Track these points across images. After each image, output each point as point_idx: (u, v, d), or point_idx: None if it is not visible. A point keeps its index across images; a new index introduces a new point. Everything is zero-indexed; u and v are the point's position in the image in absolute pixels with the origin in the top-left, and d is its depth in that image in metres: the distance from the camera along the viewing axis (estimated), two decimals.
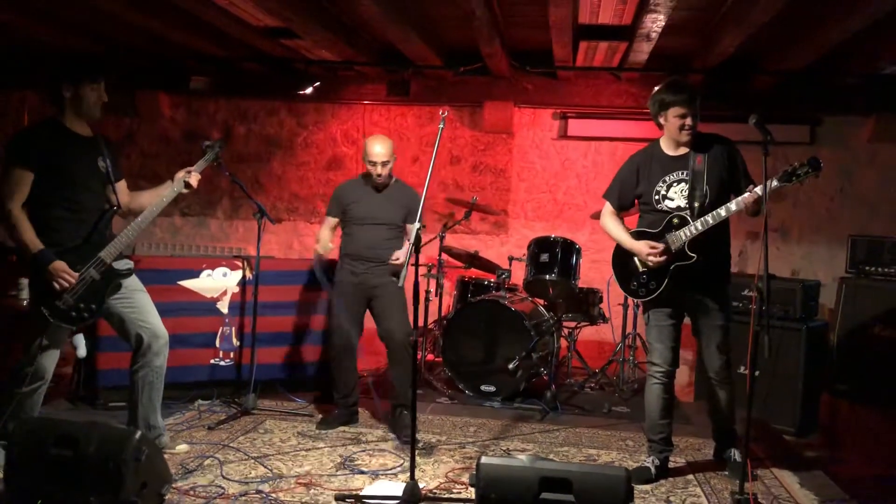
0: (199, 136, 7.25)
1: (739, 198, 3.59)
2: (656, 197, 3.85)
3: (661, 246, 3.78)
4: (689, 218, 3.73)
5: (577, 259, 5.53)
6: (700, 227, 3.68)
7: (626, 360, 5.95)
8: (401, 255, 4.46)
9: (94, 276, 3.58)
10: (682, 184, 3.78)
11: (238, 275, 5.21)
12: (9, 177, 3.47)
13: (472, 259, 6.15)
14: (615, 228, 4.03)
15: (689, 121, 3.73)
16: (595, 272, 6.86)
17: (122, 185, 3.88)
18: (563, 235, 5.60)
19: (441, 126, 3.80)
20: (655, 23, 4.78)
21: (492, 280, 5.94)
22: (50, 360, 3.61)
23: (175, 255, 7.26)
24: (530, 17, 5.23)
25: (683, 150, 3.83)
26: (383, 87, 6.90)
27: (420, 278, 3.66)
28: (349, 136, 7.38)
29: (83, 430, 3.03)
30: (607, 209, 4.09)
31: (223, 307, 5.17)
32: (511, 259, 6.11)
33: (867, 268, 5.23)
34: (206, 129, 7.49)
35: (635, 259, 3.92)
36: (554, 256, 5.42)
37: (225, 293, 5.18)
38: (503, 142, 7.15)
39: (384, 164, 4.51)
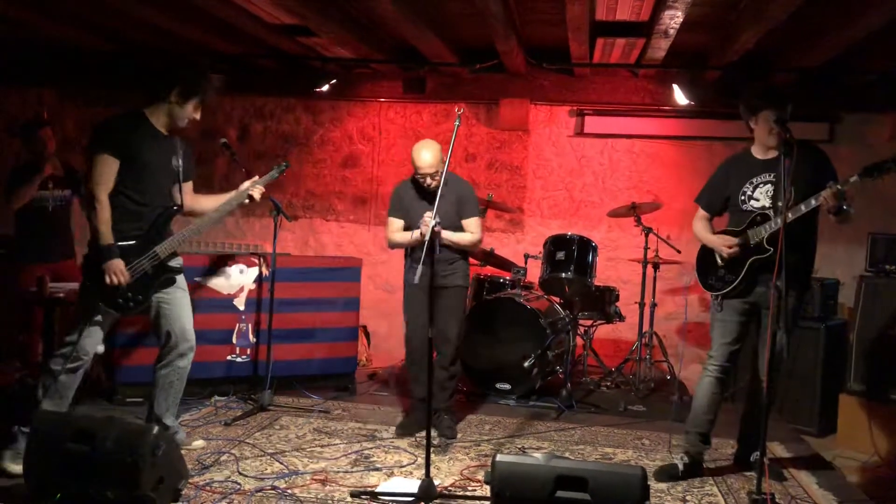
0: (215, 133, 7.28)
1: (818, 193, 3.60)
2: (742, 197, 3.94)
3: (734, 240, 3.90)
4: (771, 216, 3.80)
5: (593, 257, 5.51)
6: (780, 223, 3.68)
7: (642, 359, 5.93)
8: (440, 230, 4.11)
9: (146, 269, 3.68)
10: (769, 185, 3.86)
11: (255, 272, 5.23)
12: (98, 164, 3.57)
13: (488, 257, 6.14)
14: (699, 228, 4.17)
15: (779, 124, 3.76)
16: (611, 270, 6.83)
17: (188, 187, 3.96)
18: (579, 233, 5.58)
19: (457, 123, 3.80)
20: (673, 19, 4.74)
21: (507, 278, 5.93)
22: (91, 343, 3.69)
23: (192, 251, 7.28)
24: (546, 13, 5.20)
25: (773, 154, 3.88)
26: (399, 85, 6.90)
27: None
28: (365, 134, 7.39)
29: (101, 426, 3.05)
30: (698, 213, 4.21)
31: (240, 304, 5.19)
32: (527, 257, 6.09)
33: (887, 266, 5.16)
34: (222, 127, 7.51)
35: (715, 255, 4.02)
36: (570, 254, 5.40)
37: (241, 290, 5.20)
38: (519, 139, 7.12)
39: (432, 175, 4.32)
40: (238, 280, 5.19)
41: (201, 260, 5.21)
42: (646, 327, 5.96)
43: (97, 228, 3.57)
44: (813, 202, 3.61)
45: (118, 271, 3.56)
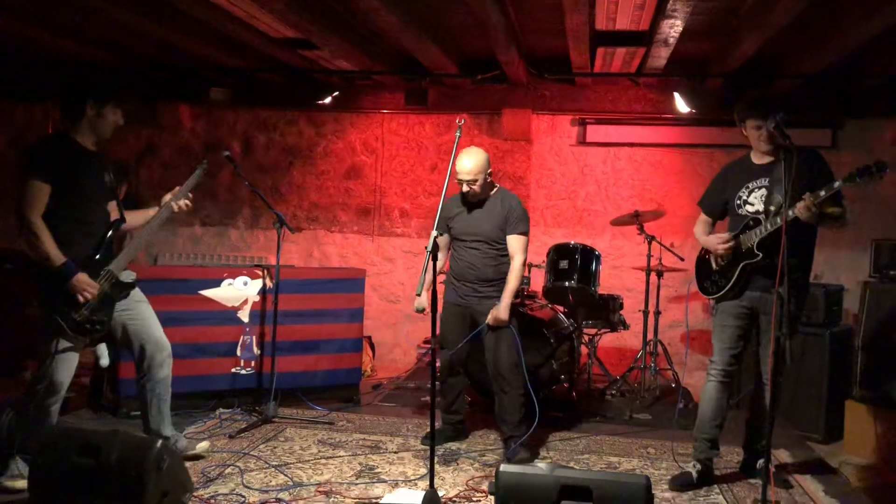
0: (219, 146, 7.32)
1: (794, 204, 3.59)
2: (737, 202, 3.99)
3: (727, 235, 3.95)
4: (762, 220, 3.82)
5: (596, 265, 5.50)
6: (769, 228, 3.76)
7: (647, 367, 5.91)
8: (500, 313, 4.21)
9: (105, 289, 3.64)
10: (763, 190, 3.90)
11: (258, 284, 5.24)
12: (29, 189, 3.48)
13: None
14: (699, 231, 4.24)
15: (765, 132, 3.82)
16: (615, 279, 6.83)
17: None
18: (582, 242, 5.58)
19: (458, 134, 3.81)
20: (673, 28, 4.75)
21: None
22: (65, 373, 3.62)
23: (196, 264, 7.31)
24: (547, 23, 5.22)
25: (769, 159, 3.92)
26: (401, 96, 6.92)
27: (438, 286, 3.65)
28: (368, 146, 7.41)
29: (105, 439, 3.06)
30: (700, 217, 4.28)
31: (244, 316, 5.20)
32: (530, 266, 6.08)
33: (891, 272, 5.15)
34: (226, 140, 7.55)
35: (712, 259, 4.07)
36: (573, 263, 5.40)
37: (245, 302, 5.21)
38: (522, 149, 7.14)
39: (470, 182, 4.26)
40: (242, 292, 5.20)
41: (205, 272, 5.22)
42: (650, 335, 5.95)
43: (45, 251, 3.45)
44: (791, 213, 3.58)
45: (86, 285, 3.51)
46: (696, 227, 4.26)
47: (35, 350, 3.62)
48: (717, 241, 3.97)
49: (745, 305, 3.94)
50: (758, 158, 3.99)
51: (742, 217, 3.95)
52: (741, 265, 3.89)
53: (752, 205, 3.93)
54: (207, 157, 4.29)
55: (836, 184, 3.53)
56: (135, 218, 3.94)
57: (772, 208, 3.81)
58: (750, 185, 3.95)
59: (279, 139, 7.56)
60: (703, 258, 4.17)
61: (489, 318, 4.24)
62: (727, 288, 3.94)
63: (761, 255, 3.80)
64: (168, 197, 3.96)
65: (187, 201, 3.97)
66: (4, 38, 6.00)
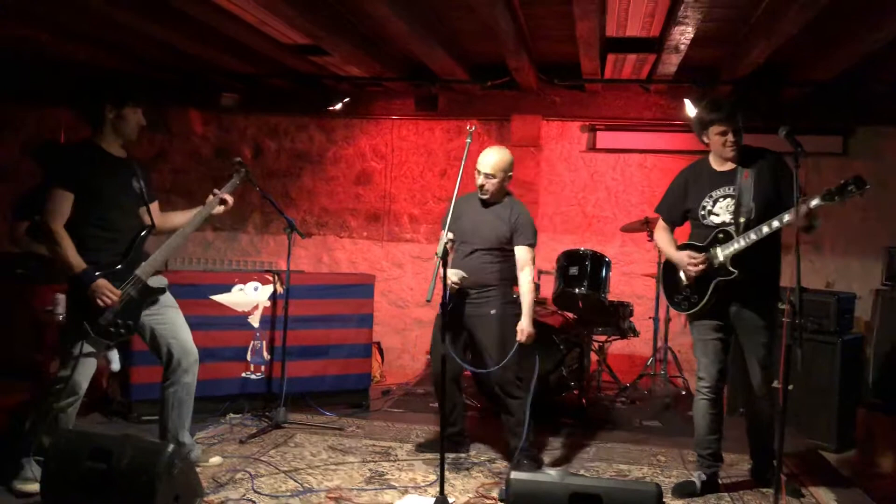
0: (229, 152, 7.34)
1: (782, 214, 3.56)
2: (702, 212, 3.89)
3: (700, 256, 3.82)
4: (733, 233, 3.74)
5: (606, 272, 5.49)
6: (743, 243, 3.69)
7: (657, 374, 5.90)
8: (528, 327, 4.08)
9: (131, 294, 3.65)
10: (729, 199, 3.81)
11: (269, 289, 5.25)
12: (52, 197, 3.51)
13: None
14: (663, 241, 4.11)
15: (730, 137, 3.77)
16: (625, 285, 6.82)
17: (154, 206, 3.93)
18: (592, 248, 5.57)
19: (468, 140, 3.82)
20: (683, 35, 4.76)
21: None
22: (84, 376, 3.64)
23: (207, 269, 7.33)
24: (557, 30, 5.23)
25: (731, 166, 3.85)
26: (411, 102, 6.94)
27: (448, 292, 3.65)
28: (378, 151, 7.43)
29: (117, 444, 3.07)
30: (660, 223, 4.17)
31: (254, 321, 5.22)
32: (540, 272, 6.08)
33: None
34: (236, 146, 7.58)
35: (681, 273, 3.95)
36: (583, 269, 5.39)
37: (256, 307, 5.22)
38: (531, 155, 7.13)
39: (487, 176, 4.15)
40: (252, 297, 5.22)
41: (216, 277, 5.24)
42: (660, 342, 5.93)
43: (65, 258, 3.49)
44: (776, 224, 3.56)
45: (106, 290, 3.52)
46: (658, 235, 4.15)
47: (58, 353, 3.65)
48: (688, 262, 3.84)
49: (722, 320, 3.88)
50: (718, 165, 3.90)
51: (708, 228, 3.85)
52: (714, 281, 3.80)
53: (717, 215, 3.84)
54: (245, 168, 4.28)
55: (814, 202, 3.44)
56: (175, 218, 3.97)
57: (741, 220, 3.72)
58: (713, 193, 3.86)
59: (289, 145, 7.59)
60: (671, 270, 4.05)
61: (521, 337, 4.07)
62: (700, 305, 3.86)
63: (737, 271, 3.72)
64: (210, 198, 4.00)
65: (225, 201, 4.02)
66: (16, 44, 6.05)
